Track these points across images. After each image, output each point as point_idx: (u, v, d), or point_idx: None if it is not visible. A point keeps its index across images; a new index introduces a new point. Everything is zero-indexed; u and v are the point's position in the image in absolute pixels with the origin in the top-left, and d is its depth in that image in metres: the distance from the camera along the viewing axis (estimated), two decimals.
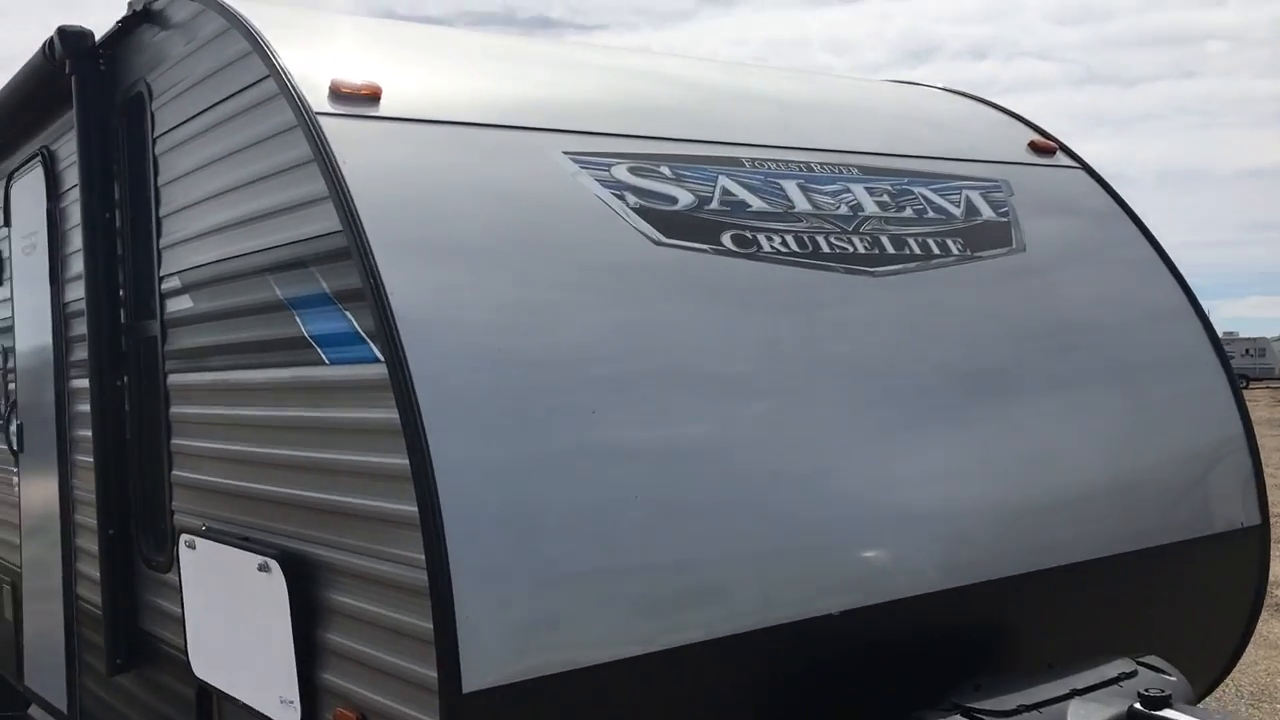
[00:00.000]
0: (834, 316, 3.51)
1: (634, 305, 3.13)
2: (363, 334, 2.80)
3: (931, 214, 4.03)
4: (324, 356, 2.95)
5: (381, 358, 2.71)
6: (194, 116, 3.58)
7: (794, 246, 3.55)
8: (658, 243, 3.28)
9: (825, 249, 3.61)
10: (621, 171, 3.42)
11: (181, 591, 3.66)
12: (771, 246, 3.50)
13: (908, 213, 3.97)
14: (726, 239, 3.43)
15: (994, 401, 3.67)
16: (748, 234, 3.48)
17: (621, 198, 3.33)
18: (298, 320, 3.05)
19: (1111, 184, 4.70)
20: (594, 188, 3.32)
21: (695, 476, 2.96)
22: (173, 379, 3.82)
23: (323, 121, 2.97)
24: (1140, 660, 3.26)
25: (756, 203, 3.61)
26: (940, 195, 4.13)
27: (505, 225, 3.07)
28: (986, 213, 4.19)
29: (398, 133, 3.11)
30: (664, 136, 3.65)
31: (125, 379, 4.14)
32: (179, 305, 3.73)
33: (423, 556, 2.57)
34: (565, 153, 3.37)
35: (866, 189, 3.95)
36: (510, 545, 2.63)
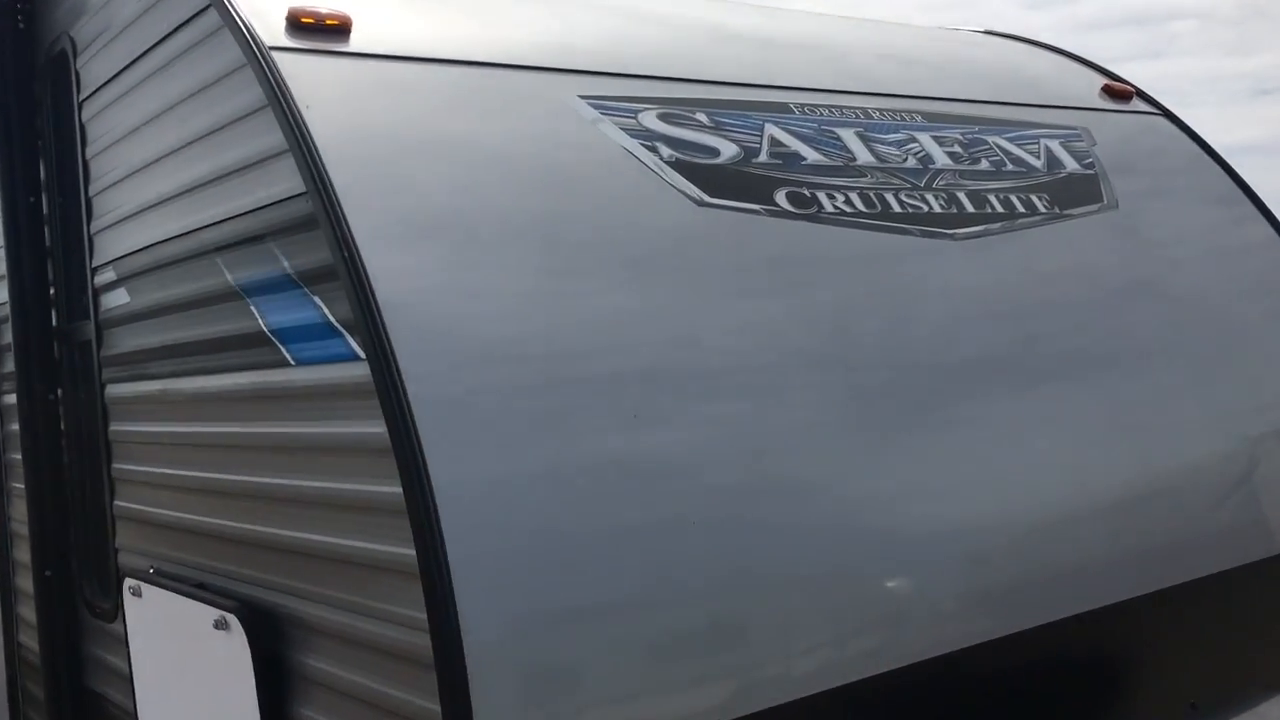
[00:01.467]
0: (914, 288, 2.88)
1: (677, 281, 2.49)
2: (337, 325, 2.16)
3: (1010, 166, 3.40)
4: (288, 355, 2.30)
5: (362, 354, 2.07)
6: (123, 70, 2.93)
7: (860, 205, 2.92)
8: (700, 203, 2.65)
9: (896, 208, 2.98)
10: (651, 118, 2.78)
11: (128, 646, 3.02)
12: (834, 206, 2.87)
13: (984, 165, 3.34)
14: (781, 197, 2.80)
15: (1106, 385, 3.05)
16: (805, 191, 2.85)
17: (653, 149, 2.70)
18: (254, 311, 2.40)
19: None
20: (619, 138, 2.68)
21: (768, 494, 2.33)
22: (111, 390, 3.16)
23: (279, 58, 2.32)
24: None
25: (812, 155, 2.98)
26: (1017, 145, 3.50)
27: (513, 185, 2.43)
28: (1070, 164, 3.56)
29: (374, 72, 2.46)
30: (698, 78, 3.01)
31: (59, 391, 3.48)
32: (115, 301, 3.08)
33: (423, 615, 1.93)
34: (582, 97, 2.73)
35: (934, 138, 3.32)
36: (541, 597, 1.99)
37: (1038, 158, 3.50)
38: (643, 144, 2.69)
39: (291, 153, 2.21)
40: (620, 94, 2.79)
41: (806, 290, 2.68)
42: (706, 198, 2.66)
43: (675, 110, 2.84)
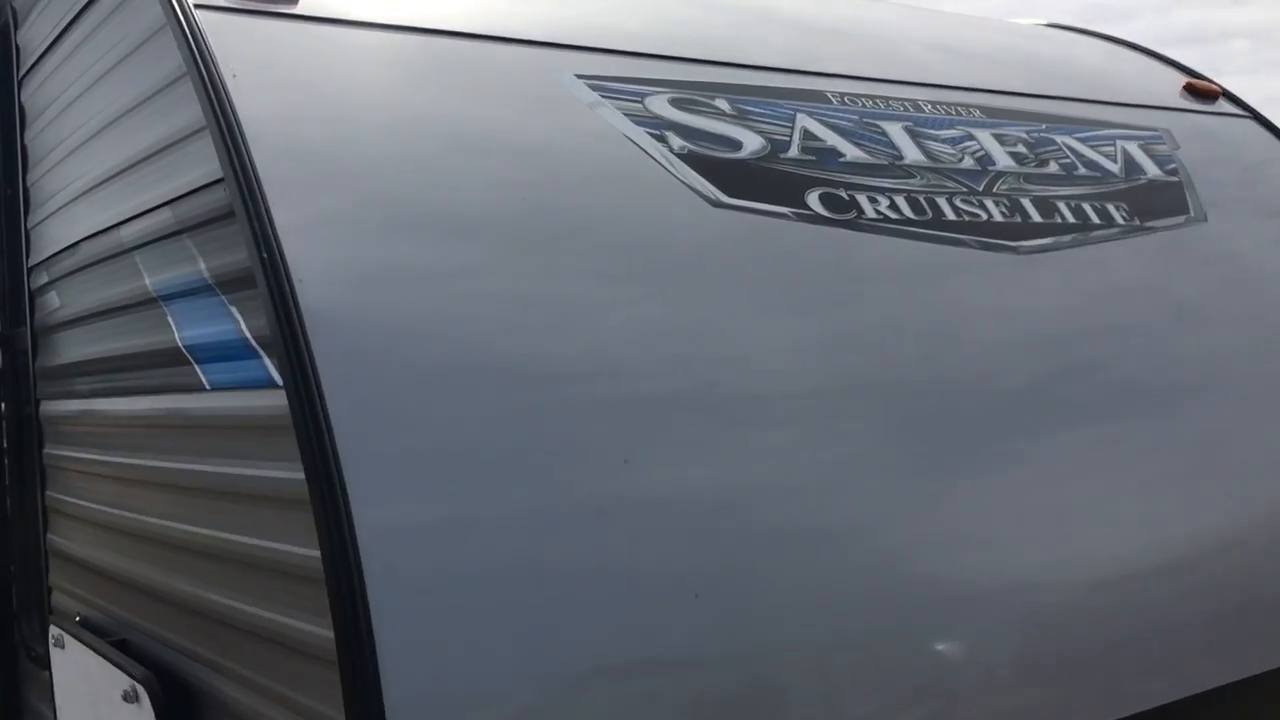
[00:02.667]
0: (971, 308, 2.43)
1: (687, 295, 2.06)
2: (251, 341, 1.75)
3: (1082, 170, 2.94)
4: (202, 377, 1.89)
5: (279, 380, 1.65)
6: (58, 38, 2.55)
7: (908, 211, 2.47)
8: (716, 203, 2.22)
9: (950, 215, 2.54)
10: (660, 104, 2.36)
11: (54, 703, 2.62)
12: (877, 211, 2.42)
13: (1052, 168, 2.88)
14: (814, 199, 2.36)
15: (1193, 424, 2.58)
16: (843, 193, 2.41)
17: (662, 139, 2.27)
18: (170, 321, 2.00)
19: None
20: (622, 125, 2.25)
21: (791, 546, 1.89)
22: (45, 407, 2.78)
23: (204, 17, 1.92)
24: None
25: (851, 151, 2.54)
26: (1089, 146, 3.04)
27: (487, 178, 2.01)
28: (1151, 170, 3.10)
29: (323, 39, 2.06)
30: (717, 60, 2.58)
31: (1, 405, 3.10)
32: (48, 305, 2.70)
33: (341, 716, 1.51)
34: (579, 76, 2.31)
35: (995, 136, 2.87)
36: (500, 698, 1.56)
37: (1114, 161, 3.04)
38: (649, 133, 2.26)
39: (209, 130, 1.80)
40: (624, 74, 2.37)
41: (842, 309, 2.24)
42: (724, 197, 2.23)
43: (690, 95, 2.41)
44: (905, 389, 2.22)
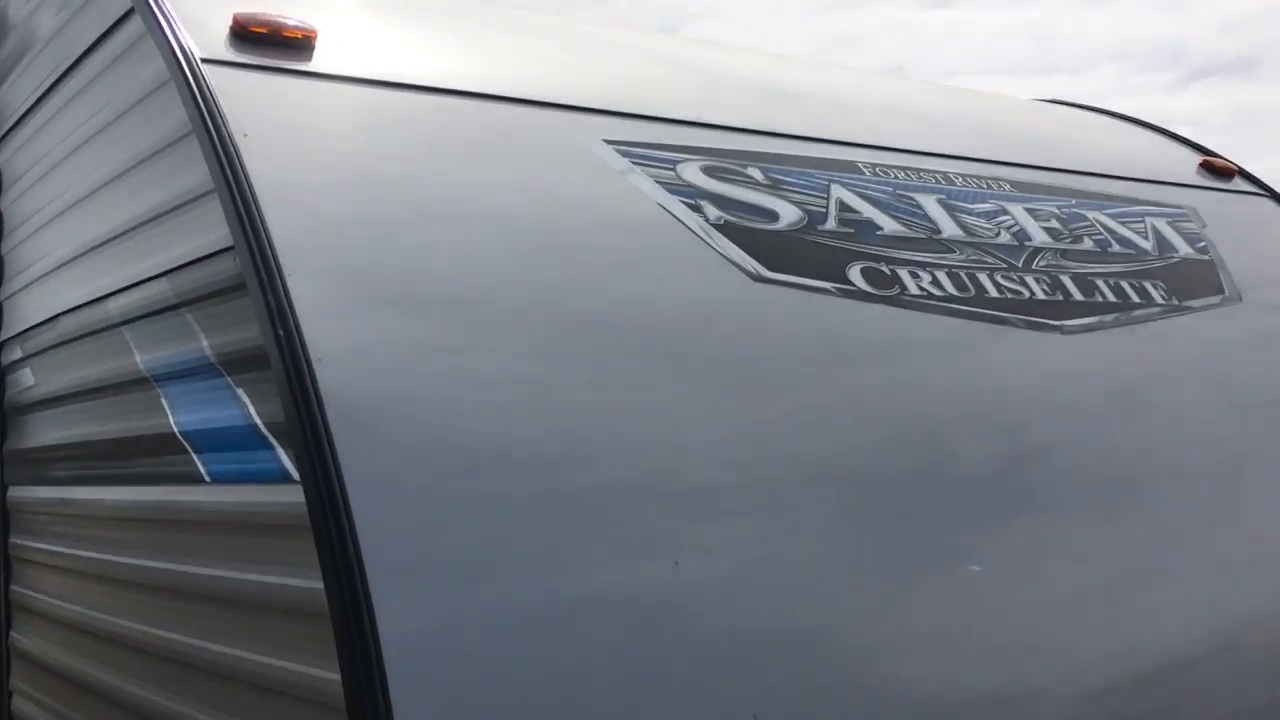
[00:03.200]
0: (1020, 392, 2.28)
1: (729, 375, 1.89)
2: (264, 430, 1.56)
3: (1117, 246, 2.82)
4: (201, 468, 1.69)
5: (295, 474, 1.46)
6: (43, 97, 2.37)
7: (950, 287, 2.33)
8: (756, 277, 2.06)
9: (993, 292, 2.40)
10: (693, 171, 2.21)
11: None
12: (920, 287, 2.28)
13: (1086, 244, 2.76)
14: (855, 274, 2.21)
15: (1252, 516, 2.44)
16: (884, 267, 2.27)
17: (697, 209, 2.12)
18: (164, 404, 1.80)
19: None
20: (655, 193, 2.10)
21: (833, 653, 1.70)
22: (13, 493, 2.55)
23: (212, 72, 1.76)
24: None
25: (889, 224, 2.40)
26: (1121, 222, 2.93)
27: (516, 248, 1.85)
28: (1182, 248, 2.99)
29: (341, 98, 1.90)
30: (748, 128, 2.45)
31: None
32: (21, 384, 2.48)
33: None
34: (609, 141, 2.16)
35: (1028, 210, 2.75)
36: None
37: (1146, 238, 2.93)
38: (684, 202, 2.11)
39: (218, 193, 1.63)
40: (655, 140, 2.23)
41: (890, 391, 2.08)
42: (765, 271, 2.08)
43: (723, 163, 2.27)
44: (959, 476, 2.06)
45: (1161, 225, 3.03)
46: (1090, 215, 2.88)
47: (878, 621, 1.82)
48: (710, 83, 2.66)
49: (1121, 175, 3.16)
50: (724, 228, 2.11)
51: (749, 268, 2.06)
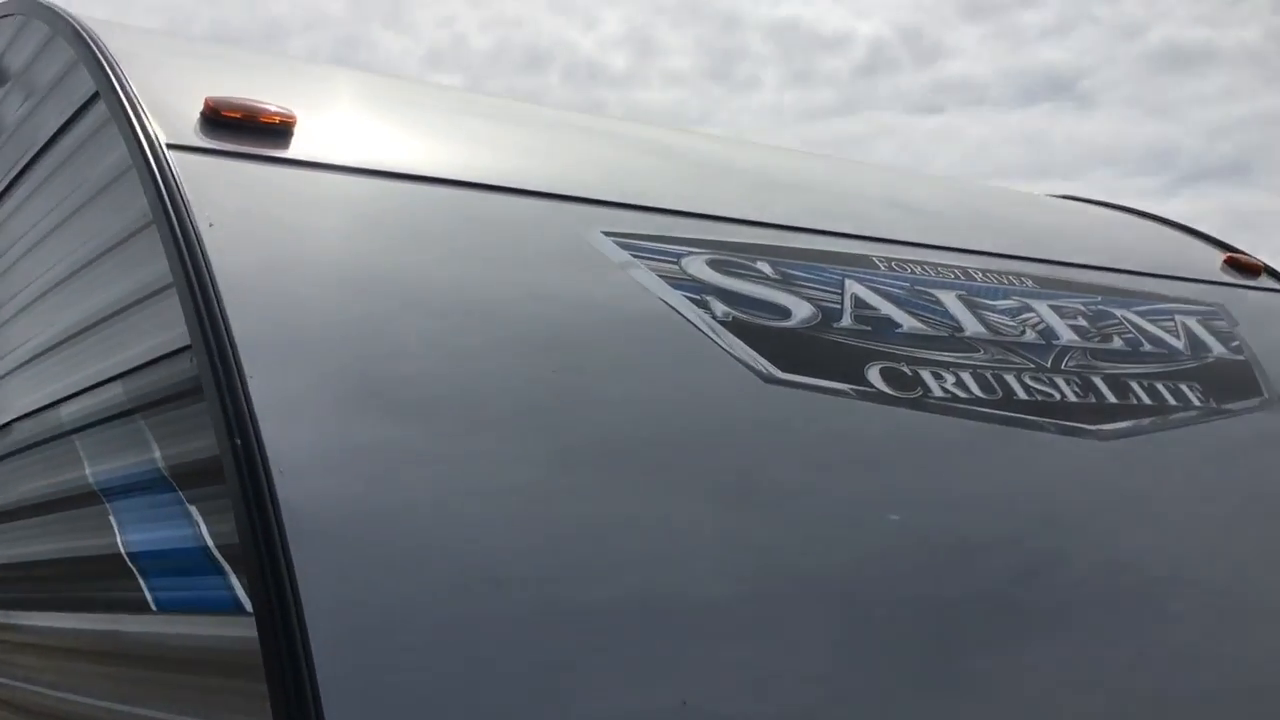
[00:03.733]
0: (1056, 501, 2.09)
1: (740, 486, 1.71)
2: (214, 551, 1.37)
3: (1148, 346, 2.67)
4: (148, 595, 1.50)
5: (249, 606, 1.27)
6: (7, 188, 2.24)
7: (976, 389, 2.16)
8: (768, 379, 1.90)
9: (1021, 394, 2.23)
10: (698, 265, 2.07)
11: None
12: (943, 389, 2.11)
13: (1116, 343, 2.61)
14: (875, 375, 2.05)
15: None
16: (905, 368, 2.11)
17: (703, 304, 1.96)
18: (112, 521, 1.62)
19: None
20: (658, 288, 1.95)
21: None
22: None
23: (175, 158, 1.62)
24: None
25: (908, 321, 2.25)
26: (1150, 321, 2.78)
27: (502, 351, 1.69)
28: (1216, 347, 2.83)
29: (318, 187, 1.76)
30: (756, 220, 2.32)
31: None
32: None
33: None
34: (608, 234, 2.02)
35: (1053, 307, 2.60)
36: None
37: (1177, 337, 2.78)
38: (689, 297, 1.96)
39: (176, 288, 1.47)
40: (658, 232, 2.09)
41: (915, 500, 1.90)
42: (777, 372, 1.91)
43: (730, 256, 2.13)
44: (1006, 594, 1.86)
45: (1192, 323, 2.88)
46: (1118, 313, 2.73)
47: None
48: (714, 173, 2.54)
49: (1147, 271, 3.02)
50: (732, 325, 1.95)
51: (760, 368, 1.90)
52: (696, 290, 1.99)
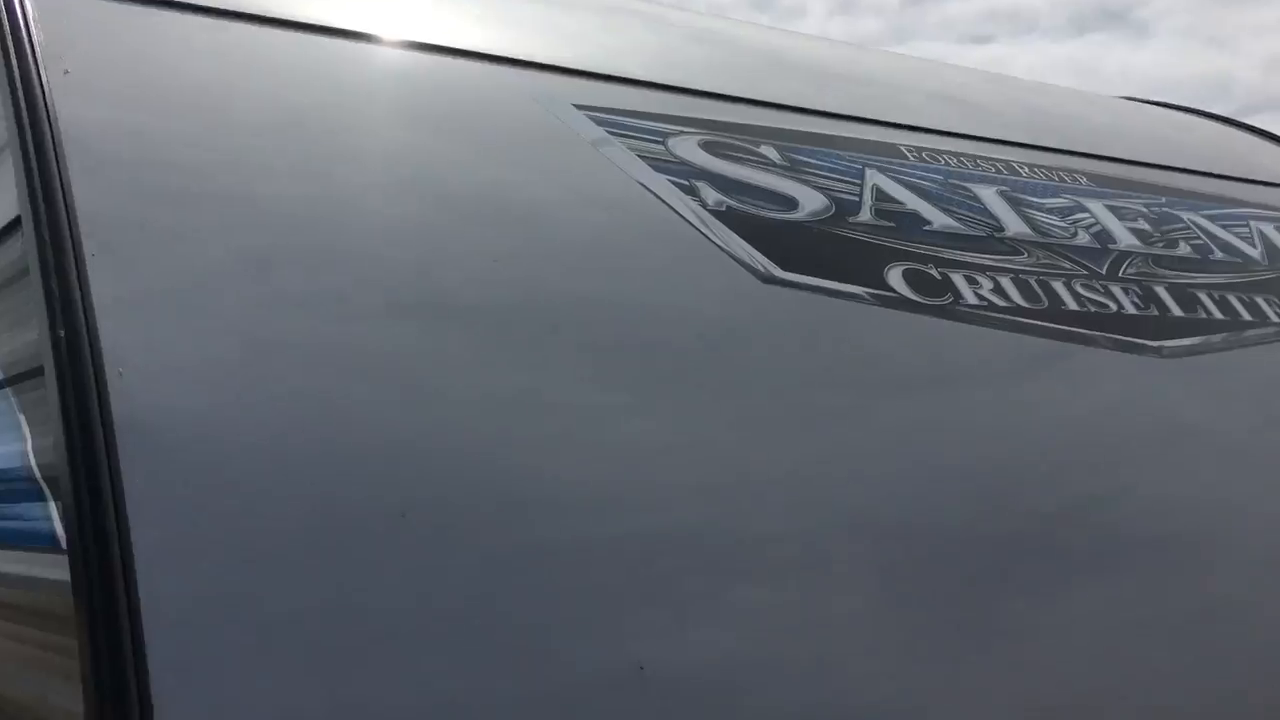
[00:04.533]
0: (1110, 426, 1.77)
1: (732, 404, 1.41)
2: (36, 474, 1.10)
3: (1219, 254, 2.32)
4: None
5: (63, 541, 1.00)
6: None
7: (1017, 297, 1.84)
8: (768, 278, 1.58)
9: (1071, 303, 1.90)
10: (688, 146, 1.75)
11: None
12: (978, 295, 1.79)
13: (1183, 250, 2.26)
14: (896, 277, 1.73)
15: None
16: (933, 270, 1.78)
17: (692, 191, 1.65)
18: None
19: None
20: (637, 170, 1.63)
21: None
22: None
23: None
24: None
25: (939, 218, 1.92)
26: (1222, 226, 2.43)
27: (436, 231, 1.39)
28: None
29: (213, 34, 1.45)
30: (762, 100, 1.99)
31: None
32: None
33: None
34: (580, 107, 1.70)
35: (1109, 208, 2.25)
36: None
37: (1253, 245, 2.42)
38: (674, 182, 1.64)
39: (10, 147, 1.18)
40: (638, 107, 1.76)
41: (940, 425, 1.59)
42: (777, 271, 1.60)
43: (728, 138, 1.80)
44: (1044, 532, 1.55)
45: (1269, 230, 2.52)
46: (1185, 216, 2.38)
47: (920, 698, 1.32)
48: (714, 49, 2.20)
49: (1217, 173, 2.65)
50: (725, 215, 1.63)
51: (757, 265, 1.59)
52: (684, 174, 1.67)
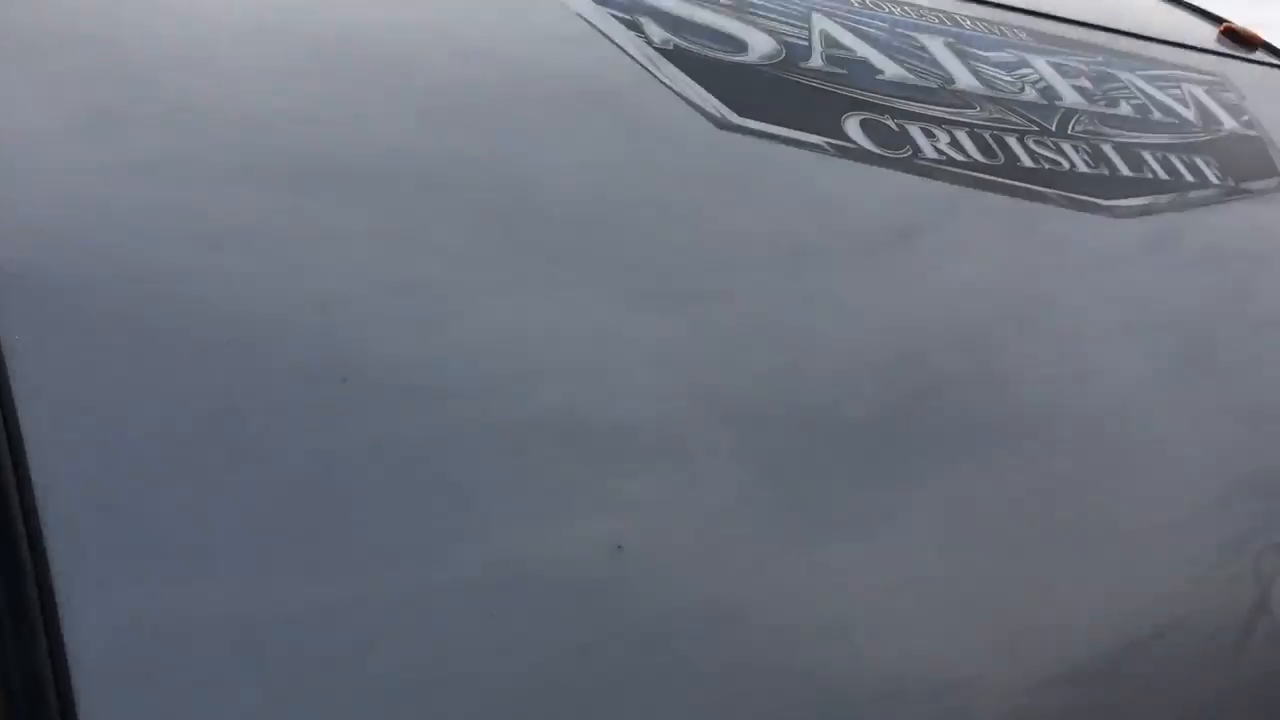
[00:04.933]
0: (1066, 290, 1.69)
1: (682, 267, 1.26)
2: None
3: (1158, 115, 2.24)
4: None
5: None
6: None
7: (974, 152, 1.72)
8: (724, 124, 1.43)
9: (1026, 160, 1.80)
10: None
11: None
12: (936, 149, 1.67)
13: (1124, 109, 2.18)
14: (853, 127, 1.59)
15: None
16: (889, 121, 1.65)
17: (636, 27, 1.47)
18: None
19: None
20: (577, 2, 1.45)
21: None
22: None
23: None
24: None
25: (890, 67, 1.78)
26: (1158, 87, 2.35)
27: (335, 70, 1.19)
28: (1227, 121, 2.42)
29: None
30: None
31: None
32: None
33: None
34: None
35: (1052, 65, 2.15)
36: None
37: (1187, 107, 2.36)
38: (615, 15, 1.47)
39: None
40: None
41: (906, 284, 1.48)
42: (733, 116, 1.45)
43: None
44: (993, 402, 1.46)
45: (1200, 93, 2.46)
46: (1123, 76, 2.29)
47: (809, 591, 1.23)
48: None
49: (1148, 35, 2.58)
50: (674, 54, 1.47)
51: (711, 109, 1.43)
52: (626, 9, 1.49)
